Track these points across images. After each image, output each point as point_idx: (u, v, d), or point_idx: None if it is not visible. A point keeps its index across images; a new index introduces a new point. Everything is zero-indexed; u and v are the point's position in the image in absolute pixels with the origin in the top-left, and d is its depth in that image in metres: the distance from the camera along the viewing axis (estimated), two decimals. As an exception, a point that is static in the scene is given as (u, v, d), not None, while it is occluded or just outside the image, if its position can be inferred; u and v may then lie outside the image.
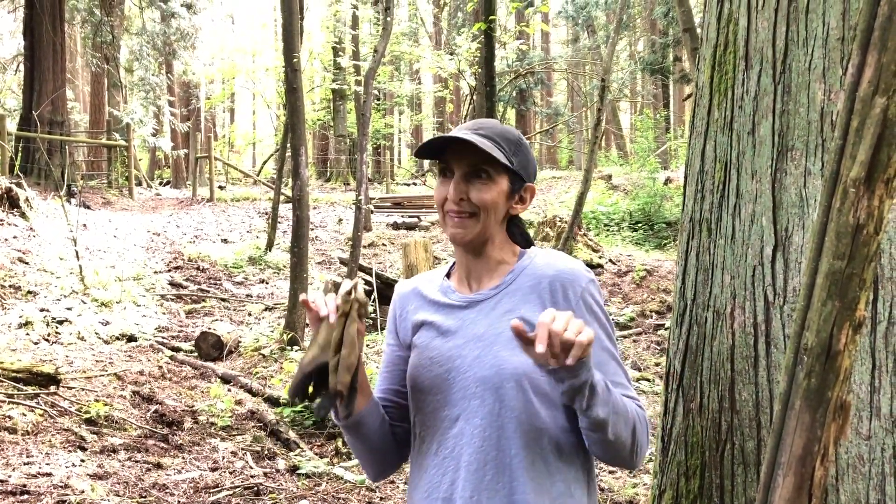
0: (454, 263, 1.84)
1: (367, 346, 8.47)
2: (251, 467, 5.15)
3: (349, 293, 1.53)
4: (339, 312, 1.52)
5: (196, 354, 8.04)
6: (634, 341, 8.85)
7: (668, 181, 18.02)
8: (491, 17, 8.90)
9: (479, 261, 1.74)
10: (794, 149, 1.87)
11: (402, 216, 18.09)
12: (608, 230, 15.59)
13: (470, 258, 1.75)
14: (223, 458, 5.27)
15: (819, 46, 1.84)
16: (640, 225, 15.61)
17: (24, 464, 4.62)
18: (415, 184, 29.56)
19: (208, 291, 11.23)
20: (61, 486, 4.33)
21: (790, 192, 1.87)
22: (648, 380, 7.47)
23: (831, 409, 1.20)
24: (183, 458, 5.22)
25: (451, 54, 16.83)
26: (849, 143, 1.17)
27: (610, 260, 12.06)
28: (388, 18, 11.87)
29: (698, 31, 13.98)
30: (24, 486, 4.27)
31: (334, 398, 1.51)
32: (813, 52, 1.85)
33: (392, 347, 1.86)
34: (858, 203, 1.16)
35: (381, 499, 4.81)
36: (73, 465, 4.71)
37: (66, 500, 4.14)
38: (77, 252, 9.84)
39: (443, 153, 1.70)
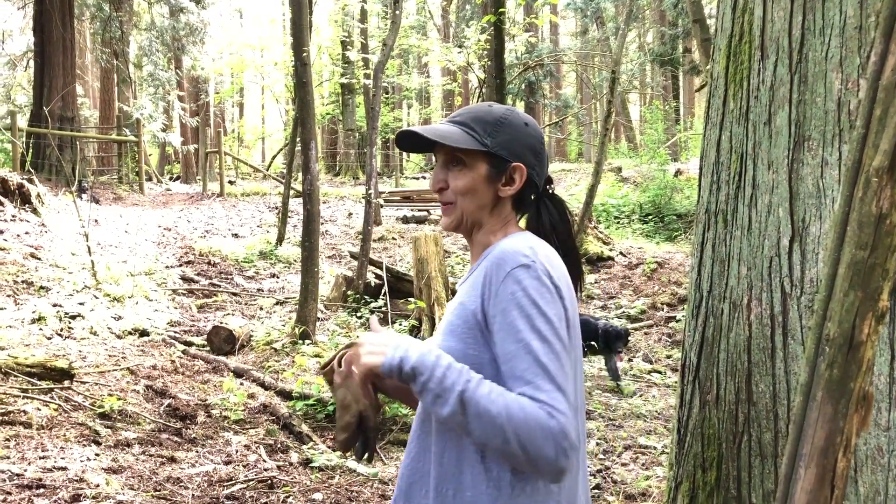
0: None
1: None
2: (264, 461, 5.17)
3: (323, 367, 1.73)
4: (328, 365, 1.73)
5: (208, 349, 8.07)
6: (646, 333, 8.84)
7: (678, 173, 17.96)
8: (500, 10, 8.88)
9: (471, 244, 1.76)
10: (811, 139, 1.86)
11: (412, 210, 18.09)
12: (618, 223, 15.56)
13: (468, 242, 1.77)
14: (236, 451, 5.29)
15: (836, 35, 1.83)
16: (650, 217, 15.57)
17: (40, 458, 4.64)
18: (424, 177, 29.55)
19: (219, 286, 11.26)
20: (76, 480, 4.35)
21: (807, 183, 1.86)
22: (660, 372, 7.46)
23: (854, 400, 1.19)
24: (196, 451, 5.24)
25: (460, 47, 16.78)
26: (871, 131, 1.16)
27: (620, 252, 12.04)
28: (397, 11, 11.86)
29: (708, 21, 13.94)
30: (40, 479, 4.29)
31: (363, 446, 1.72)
32: (830, 41, 1.84)
33: None
34: (881, 192, 1.15)
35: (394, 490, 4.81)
36: (88, 459, 4.73)
37: (81, 494, 4.16)
38: (89, 247, 9.87)
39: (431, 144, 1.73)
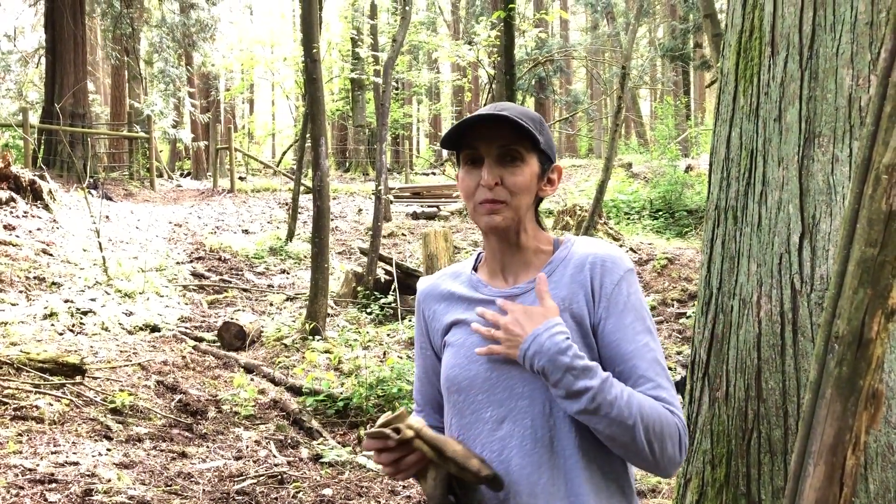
0: (479, 256, 1.75)
1: (388, 335, 8.49)
2: (275, 456, 5.19)
3: (397, 431, 1.47)
4: (408, 440, 1.48)
5: (219, 344, 8.10)
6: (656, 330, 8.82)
7: (688, 169, 17.90)
8: (510, 6, 8.86)
9: (514, 252, 1.65)
10: (822, 135, 1.85)
11: (422, 206, 18.09)
12: (628, 218, 15.52)
13: (505, 249, 1.65)
14: (247, 447, 5.31)
15: (847, 31, 1.82)
16: (660, 213, 15.53)
17: (52, 453, 4.67)
18: (434, 173, 29.55)
19: (230, 282, 11.29)
20: (88, 475, 4.38)
21: (817, 180, 1.86)
22: (671, 368, 7.45)
23: (863, 398, 1.19)
24: (207, 447, 5.27)
25: (470, 43, 16.76)
26: (881, 128, 1.15)
27: (631, 248, 12.01)
28: (407, 7, 11.86)
29: (719, 16, 13.86)
30: (52, 474, 4.32)
31: (482, 483, 1.50)
32: (841, 37, 1.83)
33: (426, 352, 1.77)
34: (891, 189, 1.14)
35: (404, 486, 4.83)
36: (100, 454, 4.76)
37: (93, 489, 4.19)
38: (100, 243, 9.92)
39: (465, 140, 1.60)
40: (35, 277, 8.98)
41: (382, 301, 9.83)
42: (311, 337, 8.10)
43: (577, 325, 1.56)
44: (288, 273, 12.28)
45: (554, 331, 1.47)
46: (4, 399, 5.35)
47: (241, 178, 23.07)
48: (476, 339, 1.62)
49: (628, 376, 1.52)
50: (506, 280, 1.66)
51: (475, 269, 1.74)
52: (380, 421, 1.49)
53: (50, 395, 5.58)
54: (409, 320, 9.03)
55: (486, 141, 1.58)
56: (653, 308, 9.52)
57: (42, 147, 17.37)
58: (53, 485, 4.21)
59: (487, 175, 1.56)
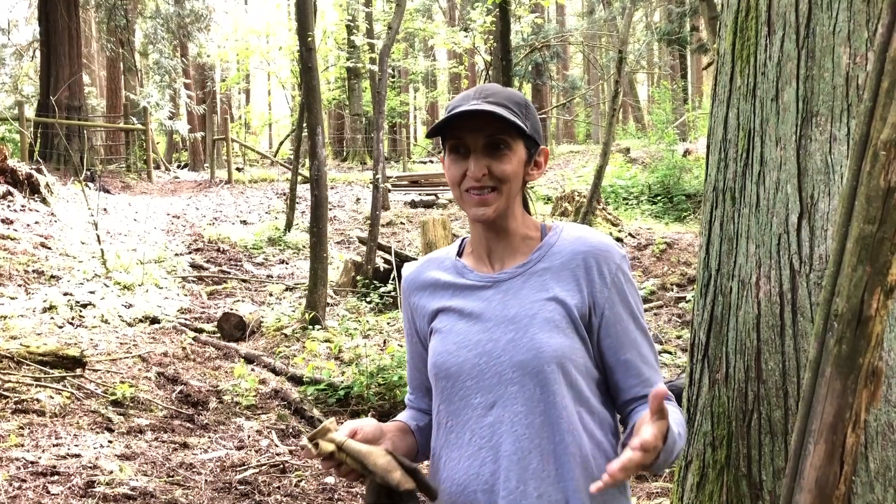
0: (464, 240, 1.74)
1: (388, 323, 8.50)
2: (277, 445, 5.20)
3: (317, 446, 1.48)
4: (327, 454, 1.49)
5: (219, 335, 8.10)
6: (655, 314, 8.83)
7: (686, 153, 17.89)
8: (505, -9, 8.82)
9: (501, 237, 1.63)
10: (819, 114, 1.85)
11: (420, 194, 18.07)
12: (627, 203, 15.52)
13: (492, 236, 1.63)
14: (248, 436, 5.32)
15: (844, 9, 1.81)
16: (659, 198, 15.53)
17: (54, 445, 4.68)
18: (431, 161, 29.51)
19: (229, 273, 11.29)
20: (90, 467, 4.39)
21: (815, 159, 1.85)
22: (670, 353, 7.45)
23: (863, 376, 1.19)
24: (209, 437, 5.27)
25: (466, 30, 16.71)
26: (879, 104, 1.14)
27: (629, 233, 12.01)
28: (402, -5, 11.80)
29: (716, -1, 13.81)
30: (54, 467, 4.33)
31: (411, 494, 1.49)
32: (837, 15, 1.82)
33: (413, 339, 1.77)
34: (889, 166, 1.14)
35: (406, 474, 4.83)
36: (101, 446, 4.76)
37: (95, 481, 4.19)
38: (98, 236, 9.91)
39: (450, 129, 1.58)
40: (34, 271, 8.97)
41: (382, 290, 9.82)
42: (310, 326, 8.10)
43: (566, 311, 1.55)
44: (287, 263, 12.28)
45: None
46: (5, 392, 5.35)
47: (238, 169, 23.03)
48: (464, 325, 1.61)
49: (637, 361, 1.58)
50: (492, 266, 1.65)
51: (460, 254, 1.72)
52: (309, 434, 1.51)
53: (51, 387, 5.58)
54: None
55: (472, 131, 1.56)
56: (652, 293, 9.52)
57: (38, 140, 17.33)
58: (55, 477, 4.22)
59: (475, 167, 1.55)
